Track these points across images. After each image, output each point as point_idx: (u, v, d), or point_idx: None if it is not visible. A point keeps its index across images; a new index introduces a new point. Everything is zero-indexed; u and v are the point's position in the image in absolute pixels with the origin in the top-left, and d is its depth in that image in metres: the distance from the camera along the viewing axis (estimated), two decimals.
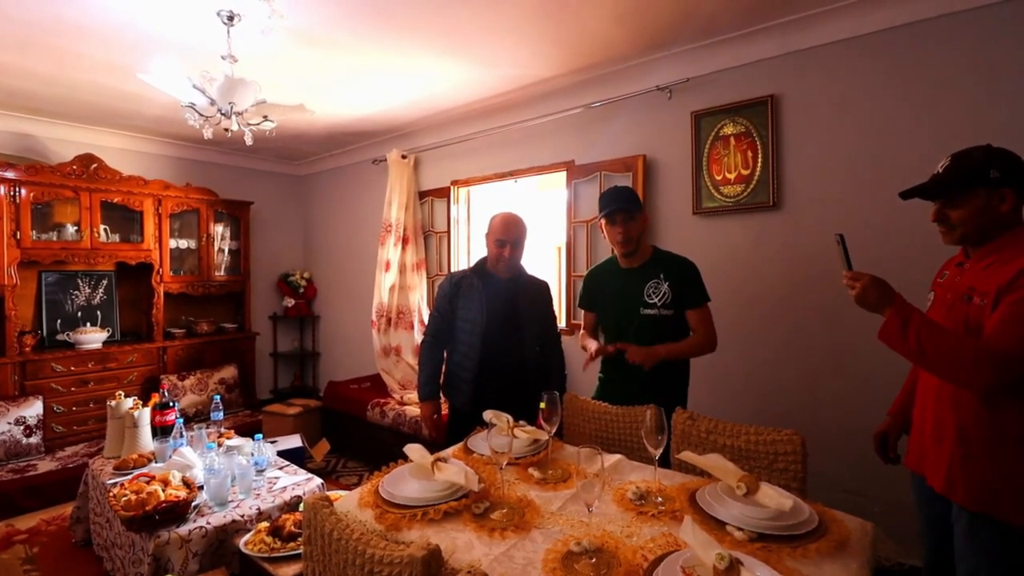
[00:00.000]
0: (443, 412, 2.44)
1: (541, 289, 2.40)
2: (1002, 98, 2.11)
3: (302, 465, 2.97)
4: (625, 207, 1.99)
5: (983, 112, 2.14)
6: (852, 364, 2.45)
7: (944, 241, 1.41)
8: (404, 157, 4.32)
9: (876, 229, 2.37)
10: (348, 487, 3.47)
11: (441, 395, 2.41)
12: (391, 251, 4.24)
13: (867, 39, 2.39)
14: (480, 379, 2.23)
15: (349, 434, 4.08)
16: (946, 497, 1.33)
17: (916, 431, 1.49)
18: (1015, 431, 1.22)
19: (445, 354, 2.41)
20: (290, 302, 5.36)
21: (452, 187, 4.18)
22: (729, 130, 2.76)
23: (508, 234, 2.21)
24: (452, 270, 4.10)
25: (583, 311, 2.33)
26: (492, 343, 2.22)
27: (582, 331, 2.32)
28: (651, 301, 2.01)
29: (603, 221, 2.06)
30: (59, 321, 3.95)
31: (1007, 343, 1.16)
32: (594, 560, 1.13)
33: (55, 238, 3.76)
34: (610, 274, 2.17)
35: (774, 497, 1.26)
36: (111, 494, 2.05)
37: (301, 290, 5.40)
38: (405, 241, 4.28)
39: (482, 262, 2.34)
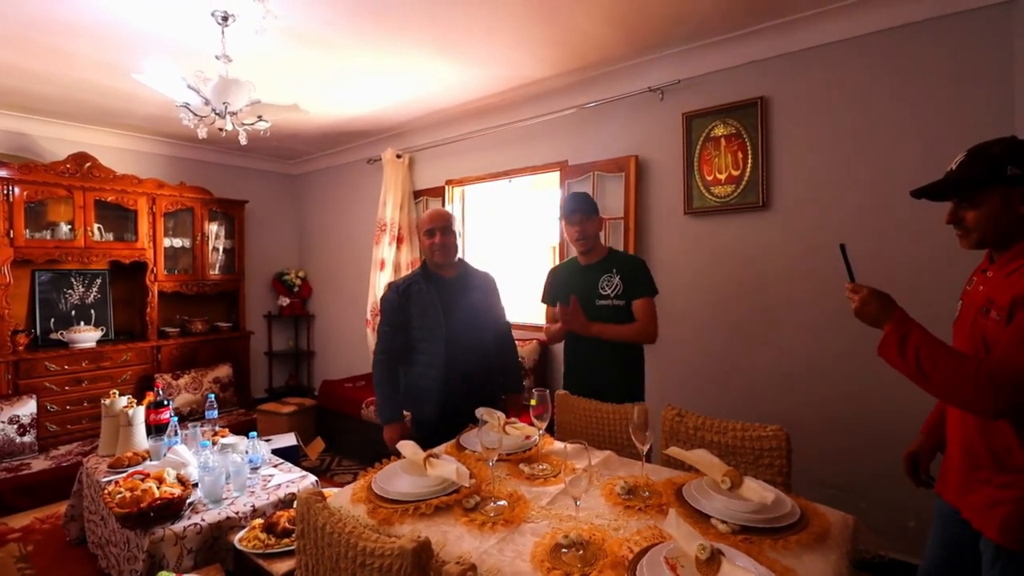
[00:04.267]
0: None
1: (489, 282, 2.36)
2: (989, 99, 2.15)
3: (297, 463, 2.98)
4: (582, 208, 2.20)
5: (971, 114, 2.18)
6: (840, 362, 2.49)
7: (961, 246, 1.27)
8: (399, 156, 4.33)
9: (864, 230, 2.41)
10: (343, 485, 3.48)
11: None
12: (386, 250, 4.25)
13: (856, 42, 2.42)
14: (447, 386, 2.12)
15: (344, 433, 4.10)
16: (980, 531, 1.20)
17: (948, 458, 1.36)
18: None
19: (404, 366, 2.24)
20: (285, 301, 5.36)
21: (447, 187, 4.20)
22: (720, 131, 2.80)
23: (434, 222, 2.18)
24: None
25: (546, 305, 2.46)
26: (454, 346, 2.13)
27: (545, 324, 2.40)
28: (605, 293, 2.17)
29: (564, 222, 2.29)
30: (52, 320, 3.94)
31: (1011, 366, 1.04)
32: (581, 552, 1.15)
33: (49, 237, 3.76)
34: (571, 271, 2.34)
35: (757, 491, 1.30)
36: (106, 491, 2.06)
37: (296, 289, 5.40)
38: (400, 240, 4.30)
39: (423, 266, 2.24)
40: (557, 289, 2.35)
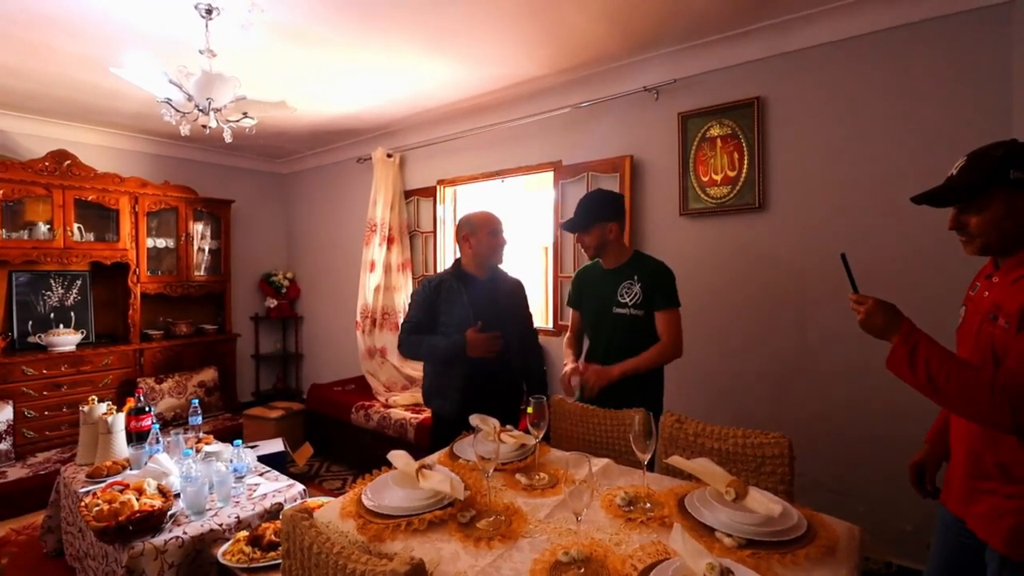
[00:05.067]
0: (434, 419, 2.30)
1: (517, 287, 2.41)
2: (986, 101, 2.14)
3: (284, 470, 2.90)
4: (575, 225, 2.12)
5: (968, 115, 2.16)
6: (837, 364, 2.46)
7: (965, 251, 1.25)
8: (389, 156, 4.26)
9: (862, 231, 2.39)
10: (331, 492, 3.42)
11: (423, 403, 2.34)
12: (376, 251, 4.18)
13: (853, 42, 2.40)
14: (470, 385, 2.17)
15: (333, 437, 4.02)
16: (985, 541, 1.19)
17: (952, 467, 1.33)
18: None
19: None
20: (272, 303, 5.26)
21: (438, 187, 4.13)
22: (715, 131, 2.76)
23: (499, 224, 2.26)
24: (439, 270, 4.05)
25: (571, 310, 2.36)
26: None
27: (567, 335, 2.32)
28: (623, 301, 2.06)
29: None
30: (30, 323, 3.82)
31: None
32: (583, 570, 1.10)
33: (26, 237, 3.64)
34: (594, 274, 2.23)
35: (763, 502, 1.25)
36: (83, 504, 1.97)
37: (283, 290, 5.30)
38: (390, 241, 4.23)
39: (457, 265, 2.30)
40: (583, 294, 2.27)
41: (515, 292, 2.39)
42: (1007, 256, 1.19)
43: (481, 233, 2.22)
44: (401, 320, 4.11)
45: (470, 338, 2.08)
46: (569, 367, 2.14)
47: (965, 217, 1.21)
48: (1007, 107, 2.09)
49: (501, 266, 2.37)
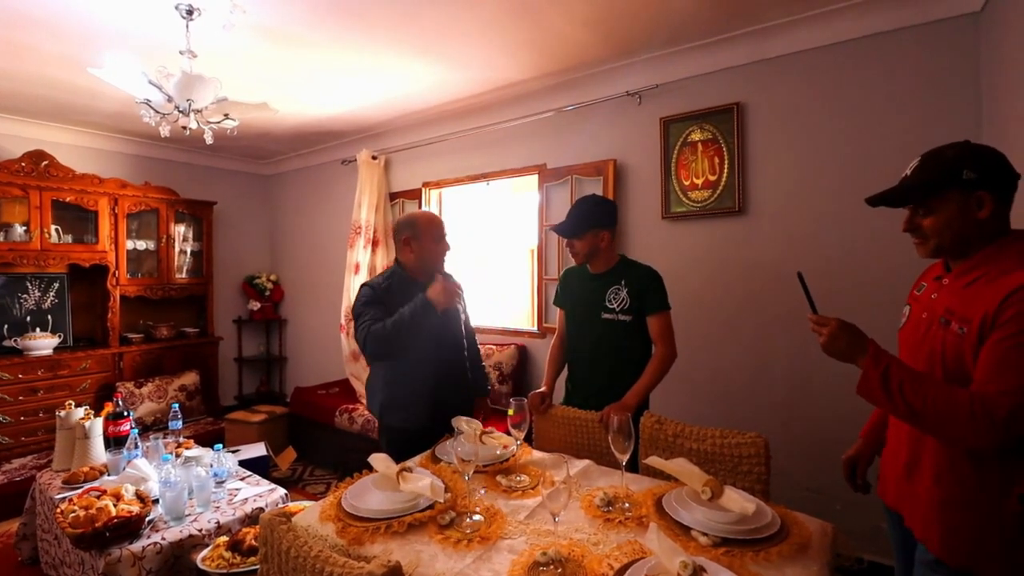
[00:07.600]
0: None
1: (459, 289, 2.24)
2: (958, 107, 2.20)
3: (266, 475, 2.88)
4: (566, 230, 2.08)
5: (941, 121, 2.22)
6: (814, 366, 2.51)
7: (919, 253, 1.23)
8: (374, 158, 4.25)
9: (839, 235, 2.44)
10: (315, 496, 3.39)
11: (376, 417, 2.17)
12: (361, 253, 4.17)
13: (830, 49, 2.45)
14: (437, 384, 2.05)
15: (317, 441, 3.99)
16: (922, 542, 1.18)
17: (889, 461, 1.32)
18: (996, 478, 1.06)
19: (380, 370, 2.13)
20: (255, 305, 5.21)
21: (423, 189, 4.13)
22: (697, 136, 2.80)
23: (442, 228, 2.14)
24: None
25: (558, 310, 2.33)
26: (442, 346, 2.09)
27: (554, 338, 2.32)
28: (611, 307, 2.05)
29: None
30: (6, 327, 3.74)
31: (1010, 399, 0.97)
32: (560, 571, 1.11)
33: (2, 239, 3.57)
34: (580, 277, 2.21)
35: (738, 501, 1.28)
36: (58, 510, 1.94)
37: (267, 293, 5.26)
38: (375, 243, 4.21)
39: (399, 269, 2.13)
40: (568, 295, 2.25)
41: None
42: (959, 259, 1.17)
43: (425, 239, 2.08)
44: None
45: (431, 291, 1.87)
46: (542, 390, 2.14)
47: (919, 219, 1.19)
48: (978, 112, 2.15)
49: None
